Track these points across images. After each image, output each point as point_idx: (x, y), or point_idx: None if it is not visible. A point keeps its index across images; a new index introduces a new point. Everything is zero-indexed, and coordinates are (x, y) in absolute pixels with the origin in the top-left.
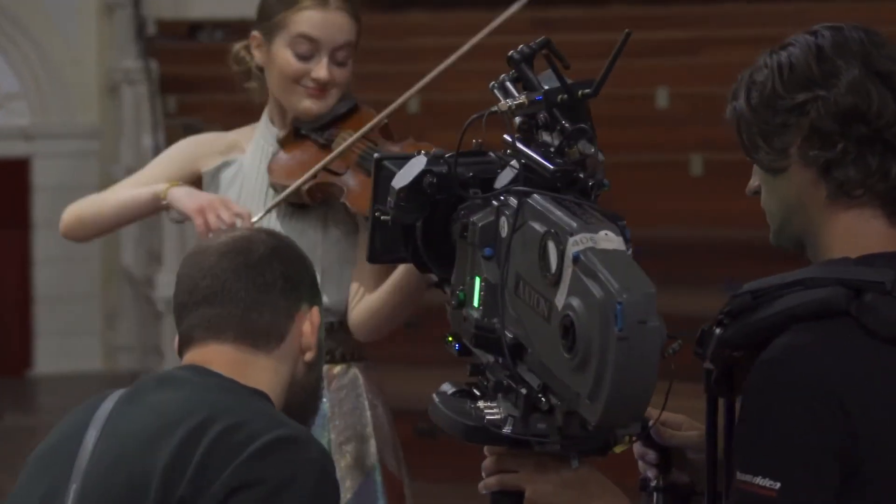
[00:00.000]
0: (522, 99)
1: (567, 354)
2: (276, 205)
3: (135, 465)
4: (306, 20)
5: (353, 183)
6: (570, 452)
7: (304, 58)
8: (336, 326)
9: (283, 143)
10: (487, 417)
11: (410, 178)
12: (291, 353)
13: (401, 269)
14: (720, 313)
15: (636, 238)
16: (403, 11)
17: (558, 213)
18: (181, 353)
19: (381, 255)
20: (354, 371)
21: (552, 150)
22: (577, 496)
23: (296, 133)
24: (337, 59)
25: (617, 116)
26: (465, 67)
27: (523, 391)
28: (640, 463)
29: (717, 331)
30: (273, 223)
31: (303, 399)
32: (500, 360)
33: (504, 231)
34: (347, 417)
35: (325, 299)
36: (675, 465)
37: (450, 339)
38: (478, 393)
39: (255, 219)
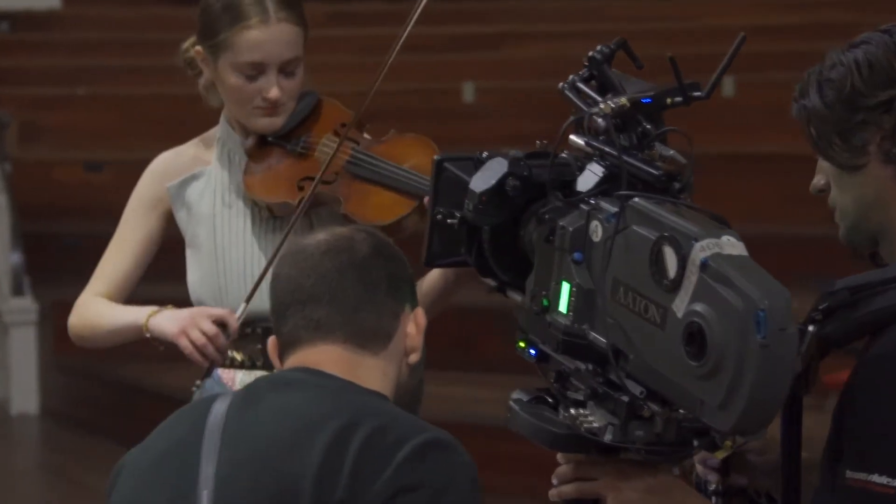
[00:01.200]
0: (624, 101)
1: (693, 362)
2: (286, 237)
3: (278, 470)
4: (250, 44)
5: (347, 191)
6: (663, 460)
7: (252, 78)
8: None
9: (252, 154)
10: (585, 425)
11: (493, 182)
12: (397, 355)
13: (435, 275)
14: (814, 310)
15: None
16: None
17: (673, 217)
18: (283, 354)
19: (439, 258)
20: None
21: (635, 152)
22: (661, 502)
23: (263, 141)
24: (286, 72)
25: (424, 110)
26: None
27: (624, 398)
28: (699, 467)
29: (811, 328)
30: (256, 242)
31: (406, 402)
32: (591, 367)
33: (597, 235)
34: None
35: None
36: (734, 469)
37: (522, 344)
38: (550, 399)
39: (248, 292)
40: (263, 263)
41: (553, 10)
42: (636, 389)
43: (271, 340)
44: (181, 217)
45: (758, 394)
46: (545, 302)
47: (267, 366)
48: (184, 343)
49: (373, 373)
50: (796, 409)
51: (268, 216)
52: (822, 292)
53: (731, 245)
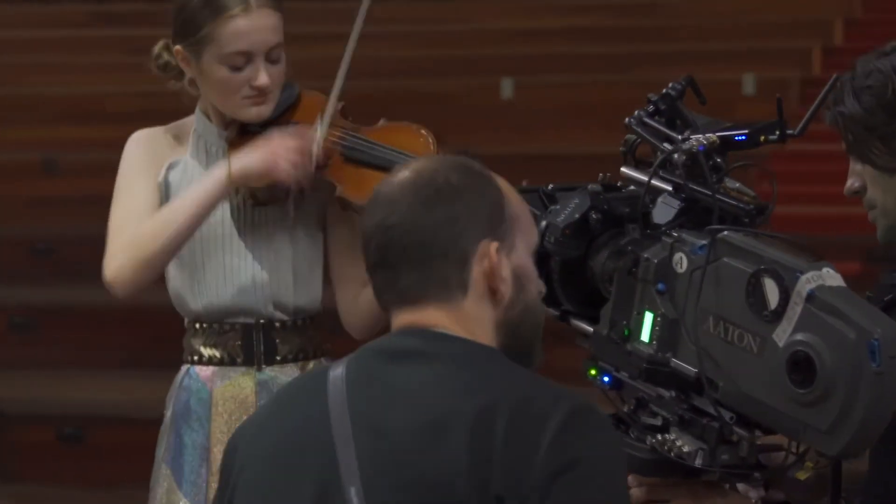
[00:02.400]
0: (715, 138)
1: (799, 389)
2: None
3: (423, 463)
4: (234, 35)
5: (341, 174)
6: (738, 480)
7: (239, 69)
8: (308, 323)
9: (234, 143)
10: (675, 451)
11: (577, 215)
12: (482, 296)
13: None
14: (879, 304)
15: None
16: None
17: (770, 250)
18: (387, 306)
19: None
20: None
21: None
22: None
23: (244, 130)
24: (271, 59)
25: None
26: (26, 61)
27: (715, 424)
28: (740, 485)
29: None
30: (237, 232)
31: (520, 342)
32: (675, 393)
33: (681, 267)
34: None
35: (298, 300)
36: (772, 485)
37: (593, 371)
38: (621, 425)
39: (318, 135)
40: (243, 254)
41: (322, 13)
42: (726, 415)
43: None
44: (162, 202)
45: (870, 419)
46: (626, 331)
47: (247, 362)
48: (281, 173)
49: (476, 317)
50: None
51: (247, 204)
52: (882, 284)
53: (832, 277)
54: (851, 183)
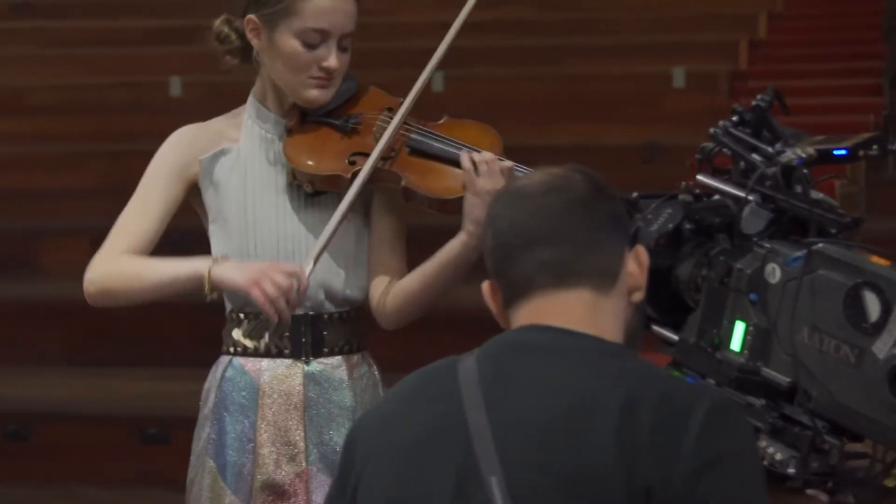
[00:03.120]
0: (812, 150)
1: None
2: (351, 204)
3: (567, 456)
4: (317, 11)
5: (405, 167)
6: (824, 488)
7: (312, 47)
8: (353, 315)
9: (293, 130)
10: (768, 458)
11: (671, 226)
12: (624, 295)
13: (443, 259)
14: None
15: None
16: None
17: (869, 262)
18: (512, 300)
19: None
20: (369, 360)
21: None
22: None
23: (303, 118)
24: (342, 46)
25: (131, 104)
26: None
27: (807, 433)
28: (810, 490)
29: None
30: (290, 218)
31: (631, 342)
32: (765, 402)
33: (773, 277)
34: (368, 407)
35: (347, 290)
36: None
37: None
38: None
39: (314, 250)
40: (298, 241)
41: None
42: (818, 424)
43: (488, 285)
44: (207, 192)
45: None
46: (716, 340)
47: (294, 354)
48: (256, 294)
49: (608, 316)
50: None
51: (304, 191)
52: None
53: None
54: None
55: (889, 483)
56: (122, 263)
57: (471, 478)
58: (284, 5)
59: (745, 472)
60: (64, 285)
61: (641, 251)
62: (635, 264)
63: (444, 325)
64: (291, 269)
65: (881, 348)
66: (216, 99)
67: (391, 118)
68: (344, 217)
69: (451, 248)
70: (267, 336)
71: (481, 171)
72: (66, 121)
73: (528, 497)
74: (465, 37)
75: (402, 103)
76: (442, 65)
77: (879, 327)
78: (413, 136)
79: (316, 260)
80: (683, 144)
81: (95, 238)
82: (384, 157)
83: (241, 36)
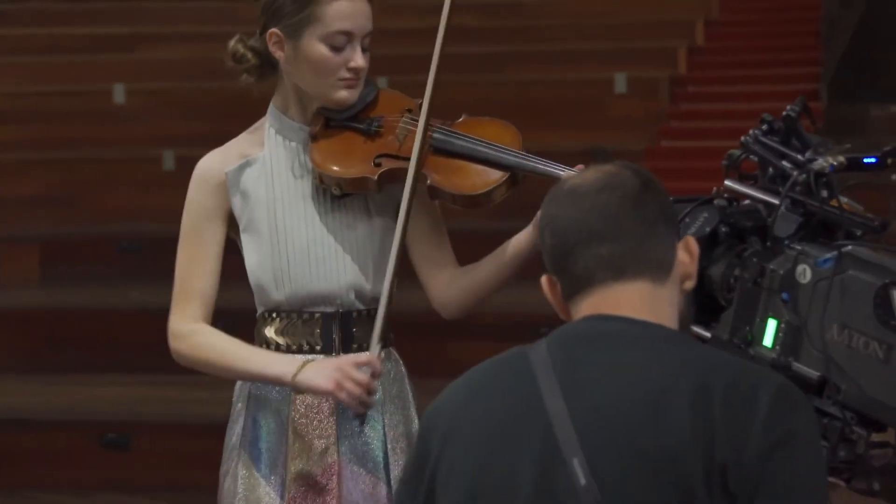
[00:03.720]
0: (843, 159)
1: None
2: (409, 210)
3: (646, 435)
4: (339, 14)
5: (433, 165)
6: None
7: (338, 49)
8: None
9: (317, 136)
10: None
11: (708, 229)
12: (677, 283)
13: (514, 250)
14: None
15: (115, 234)
16: None
17: None
18: (573, 295)
19: None
20: (395, 355)
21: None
22: None
23: (327, 124)
24: (363, 46)
25: (75, 112)
26: None
27: (837, 423)
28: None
29: None
30: (318, 223)
31: (684, 329)
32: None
33: (804, 278)
34: (397, 402)
35: (374, 289)
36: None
37: None
38: None
39: (374, 348)
40: (328, 245)
41: (184, 12)
42: (847, 415)
43: (546, 279)
44: (236, 203)
45: None
46: (749, 337)
47: (326, 349)
48: (343, 397)
49: (665, 304)
50: None
51: (330, 196)
52: None
53: None
54: None
55: None
56: (202, 347)
57: (553, 460)
58: (307, 13)
59: (810, 449)
60: (16, 294)
61: (691, 241)
62: (686, 254)
63: (463, 331)
64: (364, 360)
65: None
66: (159, 106)
67: (412, 119)
68: (399, 255)
69: (521, 242)
70: (358, 423)
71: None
72: (10, 129)
73: (611, 476)
74: (408, 44)
75: (419, 104)
76: (386, 71)
77: None
78: (435, 135)
79: (380, 339)
80: (626, 148)
81: (46, 248)
82: (406, 158)
83: (257, 53)
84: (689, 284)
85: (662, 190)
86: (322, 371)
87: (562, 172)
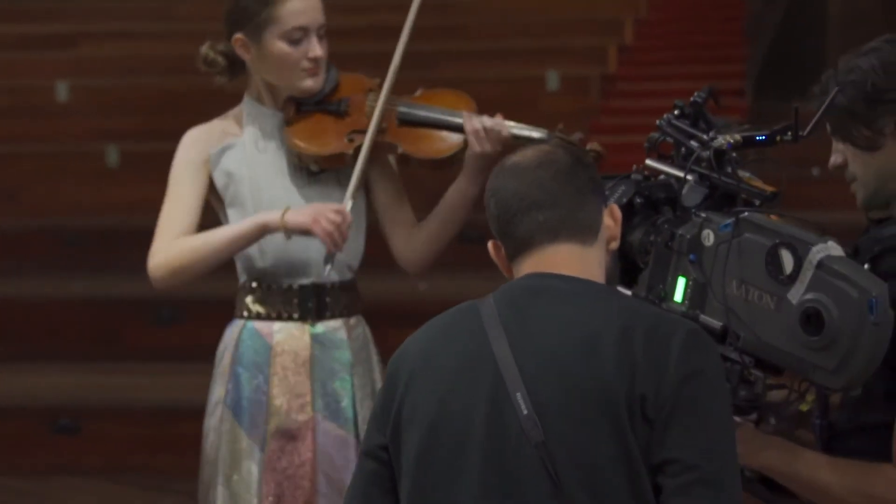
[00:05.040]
0: (739, 137)
1: (811, 337)
2: (369, 155)
3: (580, 374)
4: (293, 13)
5: (398, 137)
6: (750, 413)
7: (297, 43)
8: (351, 283)
9: (291, 120)
10: None
11: (625, 200)
12: (603, 244)
13: (453, 198)
14: (870, 255)
15: (59, 227)
16: None
17: (786, 226)
18: (515, 255)
19: None
20: (363, 322)
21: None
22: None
23: (298, 109)
24: (319, 36)
25: (18, 108)
26: None
27: (737, 367)
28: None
29: (867, 266)
30: (297, 196)
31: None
32: None
33: (708, 241)
34: (365, 364)
35: (347, 257)
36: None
37: None
38: None
39: (348, 194)
40: None
41: (121, 10)
42: (746, 359)
43: (492, 244)
44: (220, 180)
45: (869, 360)
46: (662, 293)
47: (302, 317)
48: (318, 230)
49: (594, 263)
50: None
51: (307, 173)
52: (869, 238)
53: (835, 248)
54: (835, 159)
55: (803, 407)
56: (183, 242)
57: (500, 395)
58: (264, 16)
59: (716, 382)
60: None
61: (615, 208)
62: (611, 219)
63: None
64: (338, 208)
65: (795, 295)
66: (102, 103)
67: (376, 97)
68: (365, 163)
69: (457, 191)
70: (328, 267)
71: (481, 136)
72: None
73: (550, 406)
74: (336, 43)
75: (380, 84)
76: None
77: (793, 278)
78: (399, 108)
79: (353, 196)
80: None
81: None
82: (379, 131)
83: (226, 56)
84: (614, 245)
85: (590, 164)
86: (302, 211)
87: (515, 129)
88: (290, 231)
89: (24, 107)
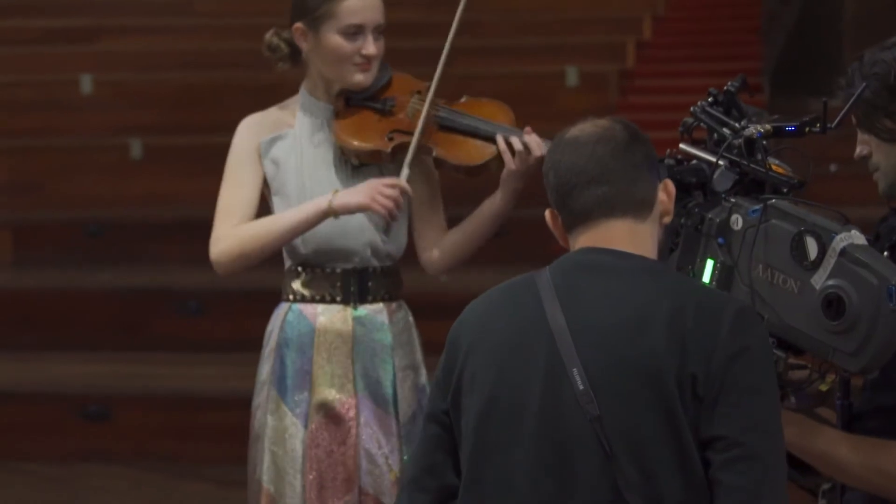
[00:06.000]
0: (769, 127)
1: (832, 321)
2: (414, 155)
3: (632, 351)
4: (351, 10)
5: (434, 140)
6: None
7: (352, 38)
8: (392, 269)
9: (340, 114)
10: None
11: None
12: (657, 218)
13: (485, 214)
14: (889, 243)
15: (83, 219)
16: None
17: (811, 215)
18: (572, 227)
19: None
20: (405, 307)
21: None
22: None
23: (347, 103)
24: (375, 35)
25: (42, 102)
26: None
27: None
28: None
29: (886, 254)
30: (337, 185)
31: (662, 257)
32: None
33: (737, 225)
34: (406, 347)
35: (388, 246)
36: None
37: None
38: None
39: (403, 174)
40: None
41: (142, 5)
42: (769, 340)
43: (550, 213)
44: (269, 169)
45: (886, 345)
46: (691, 274)
47: (345, 300)
48: (377, 207)
49: (647, 237)
50: None
51: (351, 166)
52: (888, 227)
53: (858, 237)
54: (860, 150)
55: (823, 387)
56: (245, 230)
57: (556, 369)
58: (324, 10)
59: (764, 359)
60: None
61: (669, 183)
62: (664, 194)
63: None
64: (392, 181)
65: (818, 281)
66: (125, 96)
67: (420, 99)
68: (415, 154)
69: (489, 207)
70: (384, 237)
71: (518, 153)
72: None
73: (604, 383)
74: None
75: (428, 87)
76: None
77: (817, 264)
78: (440, 114)
79: (409, 166)
80: None
81: (17, 231)
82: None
83: (289, 44)
84: (667, 219)
85: (647, 141)
86: (355, 190)
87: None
88: (350, 212)
89: (49, 100)
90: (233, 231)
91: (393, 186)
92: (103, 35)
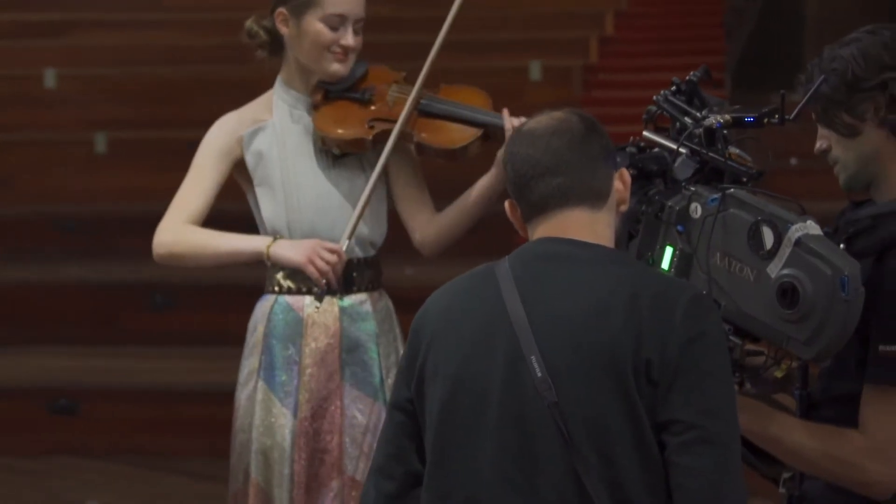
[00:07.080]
0: (729, 118)
1: (786, 310)
2: (396, 141)
3: (591, 337)
4: (336, 1)
5: (416, 126)
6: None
7: (333, 28)
8: (375, 259)
9: (318, 105)
10: None
11: None
12: (613, 207)
13: (479, 190)
14: (846, 235)
15: (50, 214)
16: None
17: (768, 205)
18: (530, 217)
19: None
20: (385, 295)
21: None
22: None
23: (326, 95)
24: (355, 29)
25: (6, 96)
26: None
27: None
28: None
29: (842, 246)
30: (323, 177)
31: (619, 245)
32: None
33: (696, 213)
34: (388, 335)
35: (371, 234)
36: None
37: None
38: None
39: (345, 233)
40: (332, 196)
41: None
42: (726, 327)
43: (509, 203)
44: (251, 161)
45: (839, 334)
46: (651, 261)
47: (330, 292)
48: (311, 270)
49: (603, 226)
50: None
51: (332, 155)
52: (846, 220)
53: (813, 227)
54: (820, 144)
55: (778, 374)
56: (187, 233)
57: (516, 356)
58: None
59: (719, 345)
60: None
61: (625, 172)
62: (620, 183)
63: None
64: (333, 247)
65: (773, 270)
66: (90, 91)
67: (401, 89)
68: (391, 149)
69: (484, 184)
70: (314, 300)
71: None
72: None
73: (562, 370)
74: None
75: (405, 77)
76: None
77: (773, 254)
78: (421, 101)
79: (350, 236)
80: None
81: None
82: (395, 121)
83: (268, 31)
84: (623, 207)
85: (603, 132)
86: (296, 246)
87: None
88: (283, 266)
89: (13, 94)
90: (179, 227)
91: (332, 252)
92: (72, 29)
